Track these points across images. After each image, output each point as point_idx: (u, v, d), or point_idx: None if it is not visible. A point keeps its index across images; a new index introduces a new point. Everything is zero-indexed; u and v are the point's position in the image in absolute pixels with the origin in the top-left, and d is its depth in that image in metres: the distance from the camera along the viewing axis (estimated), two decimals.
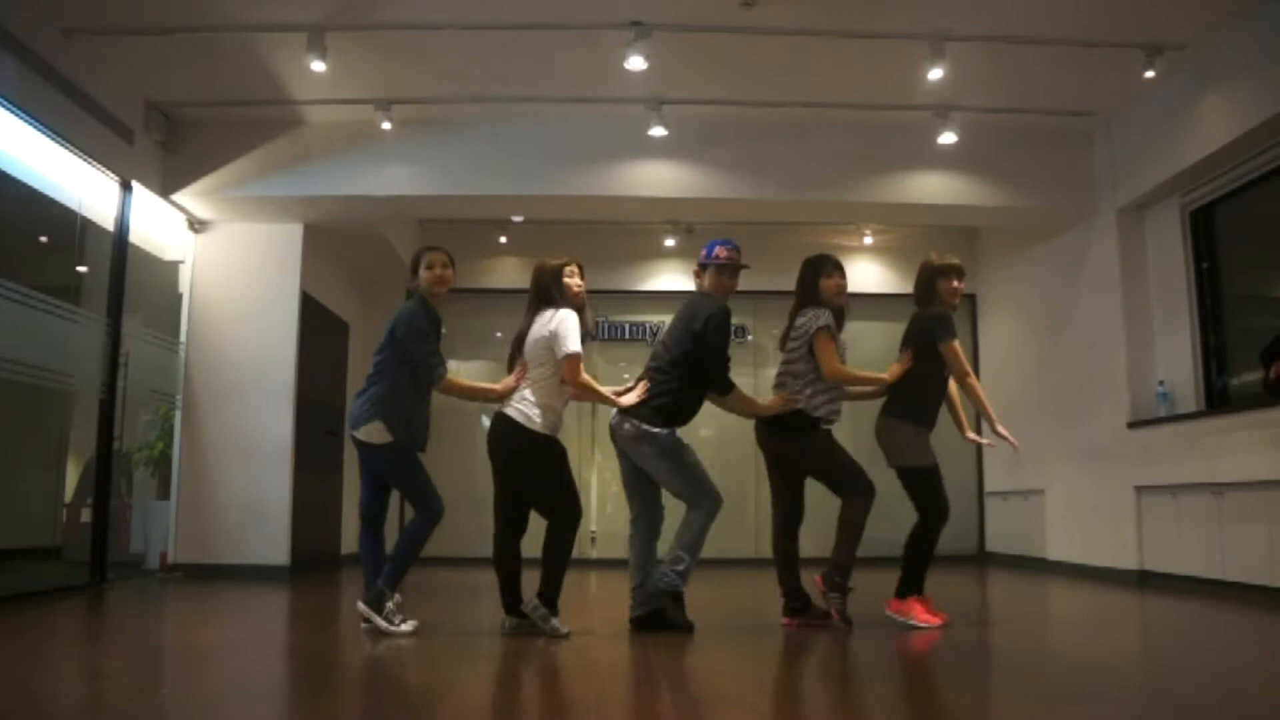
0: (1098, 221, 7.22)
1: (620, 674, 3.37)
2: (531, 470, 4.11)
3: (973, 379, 4.55)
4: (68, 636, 4.29)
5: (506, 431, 4.07)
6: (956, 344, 4.43)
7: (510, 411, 4.08)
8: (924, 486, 4.42)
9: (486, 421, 4.34)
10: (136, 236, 6.60)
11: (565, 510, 4.13)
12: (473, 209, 7.84)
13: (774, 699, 3.06)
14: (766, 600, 4.84)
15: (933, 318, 4.47)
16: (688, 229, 9.06)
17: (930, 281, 4.56)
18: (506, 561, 4.17)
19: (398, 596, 4.08)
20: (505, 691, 3.17)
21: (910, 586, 4.39)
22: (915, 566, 4.40)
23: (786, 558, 4.45)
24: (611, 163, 7.07)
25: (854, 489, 4.35)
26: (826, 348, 4.33)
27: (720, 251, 4.48)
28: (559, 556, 4.10)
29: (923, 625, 4.25)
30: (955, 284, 4.52)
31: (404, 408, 4.09)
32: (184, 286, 7.29)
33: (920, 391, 4.47)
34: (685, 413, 4.32)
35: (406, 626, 4.03)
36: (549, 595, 4.06)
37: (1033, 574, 7.59)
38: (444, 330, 4.24)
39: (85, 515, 6.62)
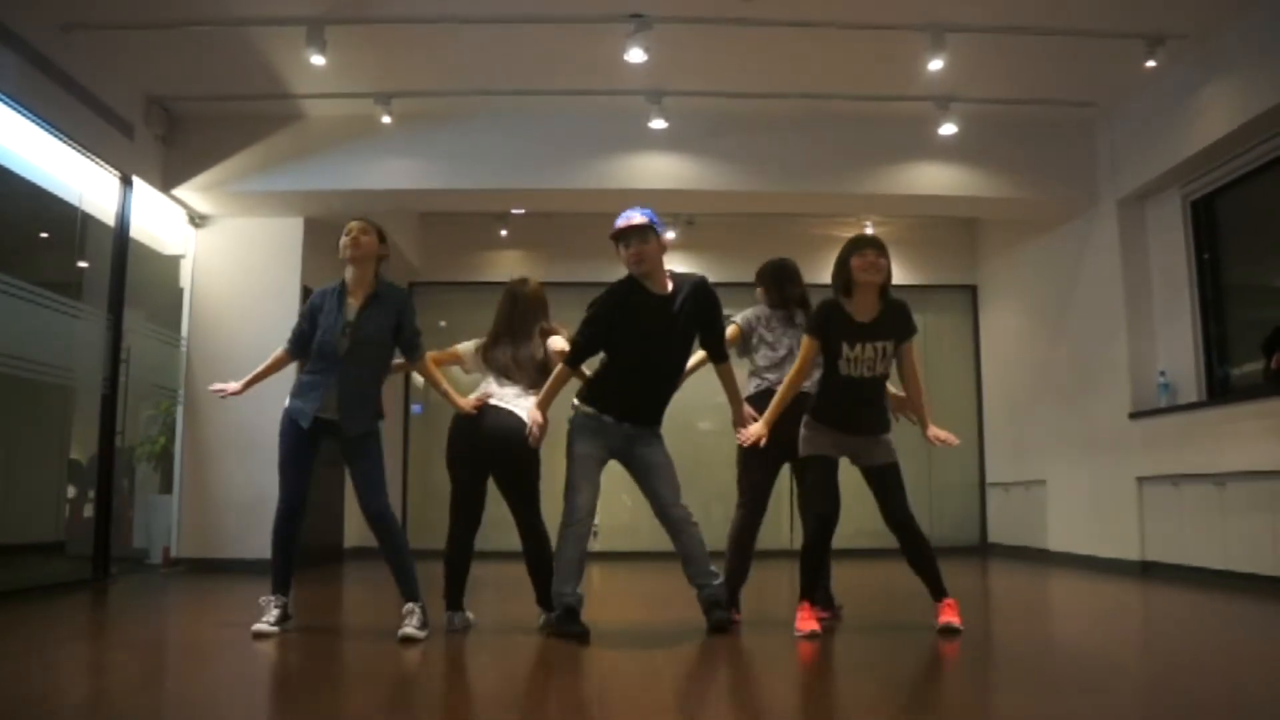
0: (1098, 212, 7.21)
1: (626, 669, 3.38)
2: (534, 466, 4.18)
3: (792, 375, 4.05)
4: (71, 631, 4.30)
5: (520, 430, 4.04)
6: (805, 338, 4.02)
7: (519, 412, 4.07)
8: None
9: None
10: (137, 231, 6.60)
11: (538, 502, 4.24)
12: (473, 202, 7.84)
13: (775, 693, 3.06)
14: (765, 594, 4.84)
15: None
16: (688, 221, 9.07)
17: (844, 260, 3.96)
18: (468, 559, 4.20)
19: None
20: (508, 687, 3.17)
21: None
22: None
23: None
24: (612, 155, 7.06)
25: None
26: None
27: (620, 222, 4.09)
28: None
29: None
30: (870, 257, 3.88)
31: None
32: (185, 281, 7.29)
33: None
34: (599, 391, 4.05)
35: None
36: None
37: (1035, 565, 7.59)
38: (341, 316, 3.90)
39: (88, 510, 6.64)
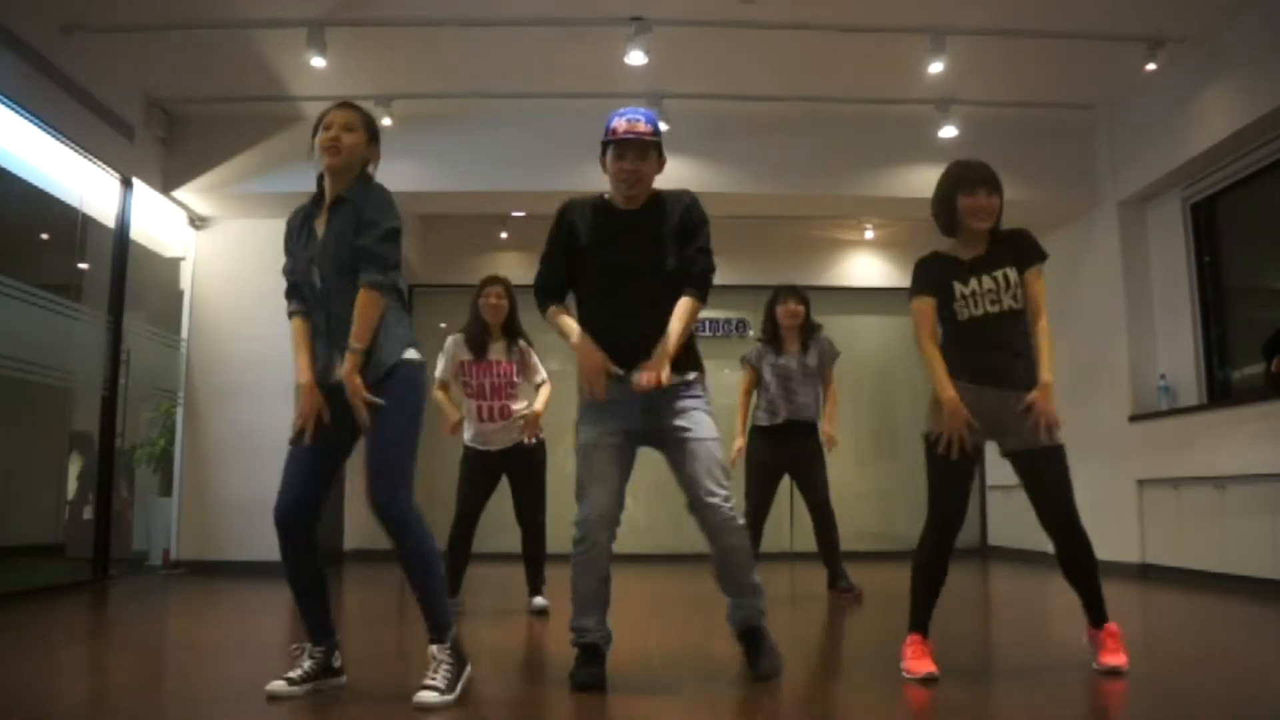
0: (1099, 214, 7.21)
1: (624, 677, 3.37)
2: None
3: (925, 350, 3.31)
4: (70, 633, 4.30)
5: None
6: (915, 303, 3.35)
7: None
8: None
9: None
10: (137, 233, 6.60)
11: None
12: (473, 204, 7.84)
13: (777, 693, 3.06)
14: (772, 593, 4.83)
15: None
16: None
17: (949, 197, 3.43)
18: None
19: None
20: (514, 687, 3.17)
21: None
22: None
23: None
24: None
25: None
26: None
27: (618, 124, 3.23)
28: None
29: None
30: (981, 199, 3.35)
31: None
32: (185, 283, 7.28)
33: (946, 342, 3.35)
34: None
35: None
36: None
37: (1035, 568, 7.57)
38: (311, 241, 2.85)
39: (88, 512, 6.63)
